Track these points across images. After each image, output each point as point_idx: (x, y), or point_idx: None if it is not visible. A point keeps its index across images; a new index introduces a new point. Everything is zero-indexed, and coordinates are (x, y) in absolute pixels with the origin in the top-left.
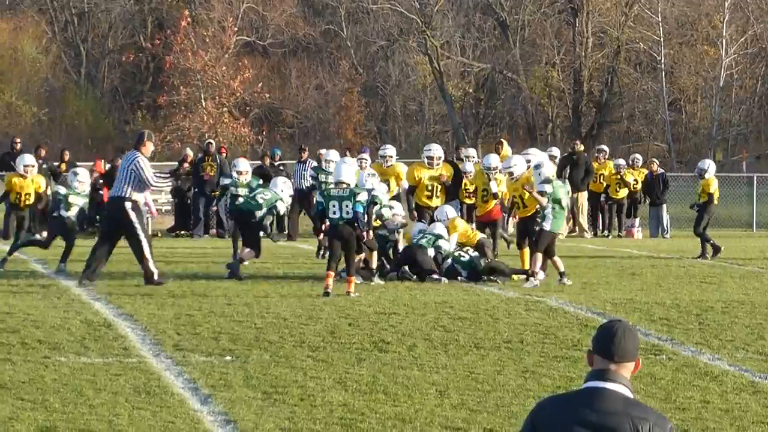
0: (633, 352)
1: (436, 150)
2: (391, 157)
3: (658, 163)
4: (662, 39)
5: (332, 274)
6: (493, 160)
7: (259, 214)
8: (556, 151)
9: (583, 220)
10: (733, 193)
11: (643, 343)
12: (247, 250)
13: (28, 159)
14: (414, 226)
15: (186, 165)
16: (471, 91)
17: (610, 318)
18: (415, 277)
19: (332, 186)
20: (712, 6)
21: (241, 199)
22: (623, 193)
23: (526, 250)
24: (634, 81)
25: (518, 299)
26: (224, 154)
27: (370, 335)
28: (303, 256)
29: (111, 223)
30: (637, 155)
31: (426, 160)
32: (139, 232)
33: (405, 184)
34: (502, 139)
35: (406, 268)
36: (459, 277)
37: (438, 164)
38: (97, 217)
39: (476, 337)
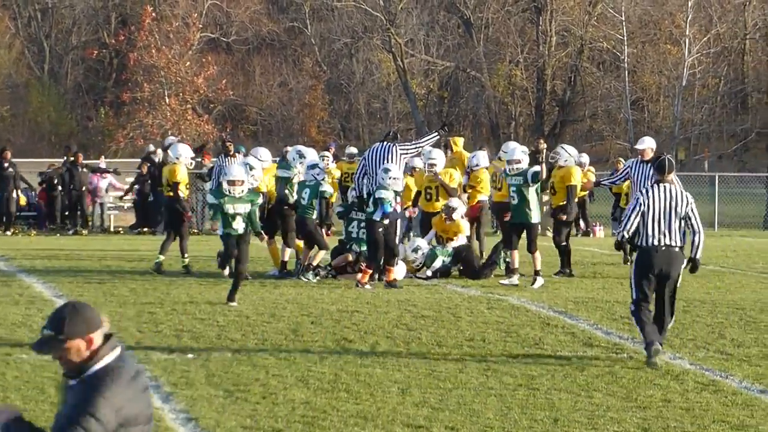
0: (80, 329)
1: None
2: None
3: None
4: (625, 38)
5: (369, 269)
6: (438, 156)
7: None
8: None
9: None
10: (695, 192)
11: (605, 342)
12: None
13: (186, 150)
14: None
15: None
16: (435, 89)
17: (572, 316)
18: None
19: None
20: (676, 5)
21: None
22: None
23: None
24: (597, 80)
25: (480, 298)
26: None
27: (332, 333)
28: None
29: None
30: (584, 155)
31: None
32: None
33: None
34: (454, 138)
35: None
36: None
37: None
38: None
39: (438, 336)
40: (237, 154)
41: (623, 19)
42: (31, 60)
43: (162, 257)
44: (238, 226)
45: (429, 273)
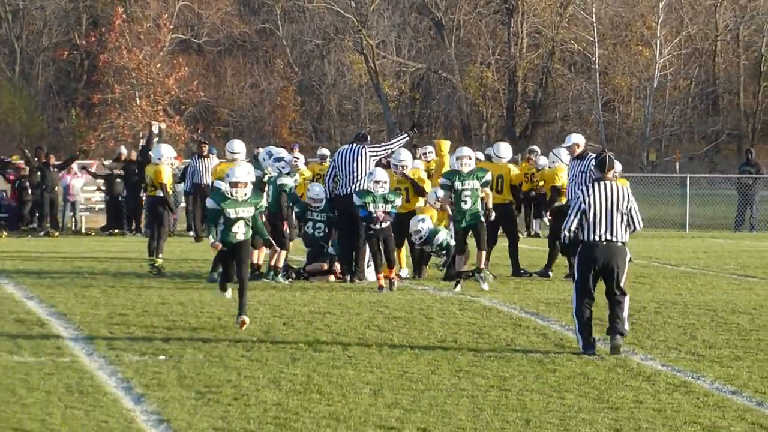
0: None
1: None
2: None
3: None
4: (596, 39)
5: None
6: (407, 157)
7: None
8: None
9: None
10: (666, 193)
11: (576, 343)
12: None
13: (169, 151)
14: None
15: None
16: (406, 90)
17: (543, 317)
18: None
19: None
20: (647, 7)
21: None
22: None
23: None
24: (569, 81)
25: (452, 299)
26: None
27: (304, 334)
28: None
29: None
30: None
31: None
32: None
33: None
34: (441, 141)
35: None
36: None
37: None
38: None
39: (410, 337)
40: (210, 156)
41: (594, 21)
42: (2, 61)
43: (160, 260)
44: (239, 230)
45: (404, 274)
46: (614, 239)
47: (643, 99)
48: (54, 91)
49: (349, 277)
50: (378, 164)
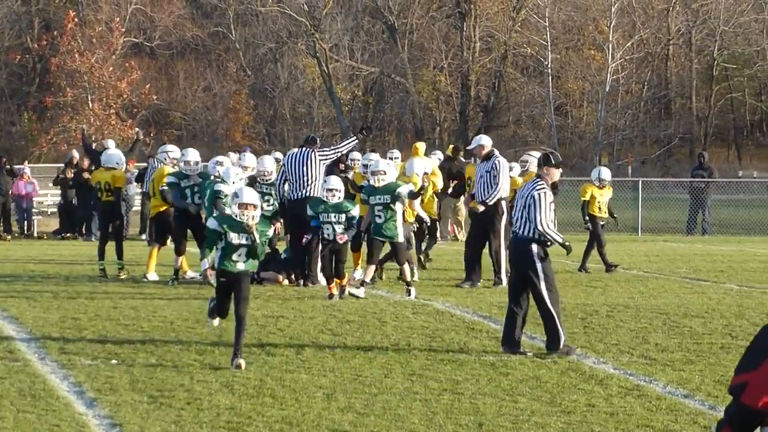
0: None
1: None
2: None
3: None
4: (549, 43)
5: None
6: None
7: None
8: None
9: (462, 224)
10: (619, 197)
11: (529, 346)
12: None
13: (122, 156)
14: None
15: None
16: (359, 94)
17: (496, 321)
18: None
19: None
20: (599, 11)
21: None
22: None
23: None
24: (521, 85)
25: (405, 303)
26: None
27: (257, 338)
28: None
29: None
30: (514, 164)
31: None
32: None
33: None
34: (416, 144)
35: None
36: None
37: None
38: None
39: (364, 341)
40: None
41: (547, 25)
42: None
43: (116, 262)
44: (239, 259)
45: (358, 275)
46: (520, 233)
47: (596, 103)
48: (6, 95)
49: (302, 282)
50: (331, 171)
